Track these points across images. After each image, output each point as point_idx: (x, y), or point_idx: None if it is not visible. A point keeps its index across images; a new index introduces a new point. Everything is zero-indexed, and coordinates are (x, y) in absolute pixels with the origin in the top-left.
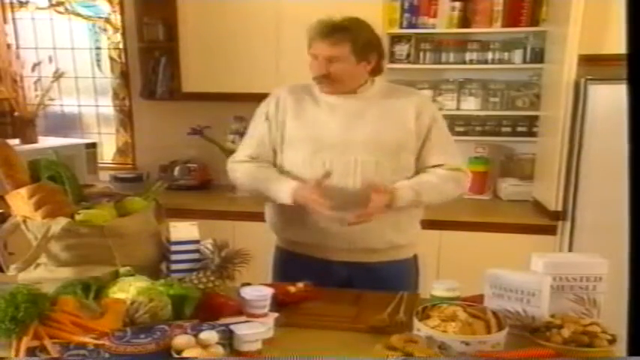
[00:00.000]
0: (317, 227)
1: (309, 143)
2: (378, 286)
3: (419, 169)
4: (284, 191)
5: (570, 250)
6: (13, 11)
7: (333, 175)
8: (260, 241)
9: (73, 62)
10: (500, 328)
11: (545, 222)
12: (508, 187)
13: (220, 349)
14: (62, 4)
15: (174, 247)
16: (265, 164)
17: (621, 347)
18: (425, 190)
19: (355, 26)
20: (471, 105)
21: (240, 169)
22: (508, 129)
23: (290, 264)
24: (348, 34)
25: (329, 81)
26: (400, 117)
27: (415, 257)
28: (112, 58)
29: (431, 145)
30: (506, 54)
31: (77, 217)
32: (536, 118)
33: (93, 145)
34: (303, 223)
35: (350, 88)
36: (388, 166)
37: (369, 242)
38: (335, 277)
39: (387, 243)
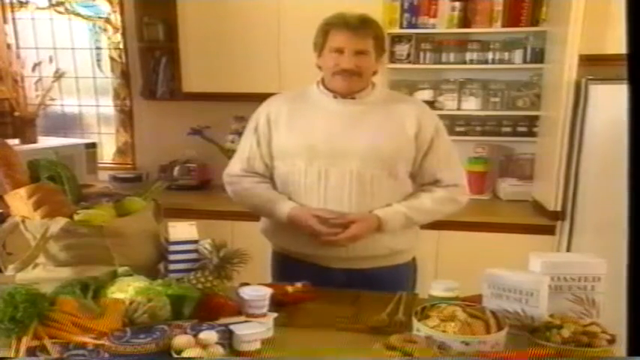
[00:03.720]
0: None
1: (305, 152)
2: (376, 290)
3: (418, 182)
4: (281, 211)
5: (569, 250)
6: (13, 11)
7: (327, 185)
8: (258, 241)
9: (73, 62)
10: (499, 328)
11: (545, 222)
12: (507, 187)
13: (220, 349)
14: (62, 4)
15: (172, 247)
16: (260, 179)
17: (621, 347)
18: (418, 214)
19: (374, 21)
20: (471, 105)
21: (236, 183)
22: (508, 129)
23: (288, 269)
24: (372, 28)
25: (353, 76)
26: (399, 125)
27: (414, 259)
28: (112, 58)
29: (433, 158)
30: (506, 54)
31: (76, 217)
32: (536, 118)
33: (93, 145)
34: (303, 234)
35: (360, 87)
36: (384, 178)
37: (367, 250)
38: (333, 283)
39: (386, 249)
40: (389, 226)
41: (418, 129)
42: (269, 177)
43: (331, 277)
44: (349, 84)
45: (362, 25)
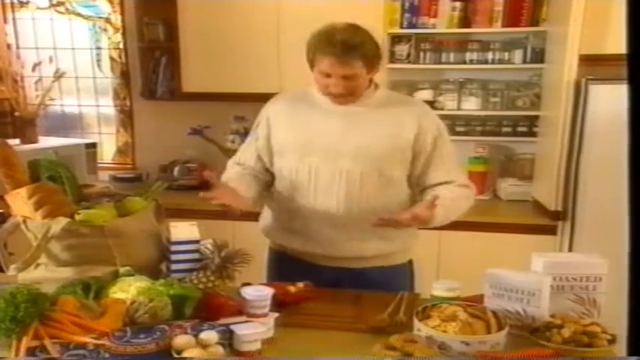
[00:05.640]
0: (307, 236)
1: (299, 148)
2: (367, 290)
3: (424, 185)
4: None
5: (570, 249)
6: (13, 11)
7: (317, 183)
8: (259, 241)
9: (73, 62)
10: (500, 328)
11: (545, 222)
12: (508, 187)
13: (220, 349)
14: (62, 4)
15: (174, 247)
16: (248, 170)
17: (621, 347)
18: (449, 209)
19: (362, 40)
20: (471, 105)
21: (228, 170)
22: (508, 129)
23: (282, 265)
24: (359, 51)
25: (343, 97)
26: (397, 127)
27: (410, 262)
28: (112, 58)
29: (438, 161)
30: (506, 54)
31: (77, 217)
32: (536, 118)
33: (93, 145)
34: (295, 231)
35: (354, 99)
36: (374, 178)
37: (356, 251)
38: (324, 280)
39: (375, 251)
40: (434, 219)
41: (419, 131)
42: (260, 171)
43: (321, 274)
44: (341, 102)
45: (347, 50)
